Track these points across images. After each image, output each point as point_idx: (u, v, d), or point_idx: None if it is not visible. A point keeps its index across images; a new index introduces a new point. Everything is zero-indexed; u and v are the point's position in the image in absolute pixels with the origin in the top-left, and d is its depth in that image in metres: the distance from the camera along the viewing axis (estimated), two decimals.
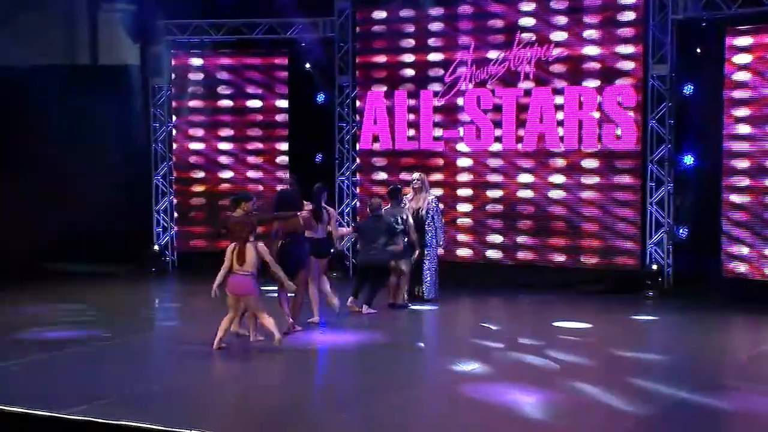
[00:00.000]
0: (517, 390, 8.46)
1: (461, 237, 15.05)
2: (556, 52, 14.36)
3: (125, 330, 11.12)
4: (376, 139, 15.64)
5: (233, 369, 9.62)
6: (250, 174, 16.47)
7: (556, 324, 11.78)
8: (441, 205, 13.50)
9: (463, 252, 15.01)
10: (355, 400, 8.35)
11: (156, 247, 16.50)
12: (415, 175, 13.28)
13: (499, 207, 14.88)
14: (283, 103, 16.39)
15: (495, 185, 14.89)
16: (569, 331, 11.43)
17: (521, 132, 14.65)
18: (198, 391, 8.56)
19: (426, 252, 12.94)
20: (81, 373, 8.93)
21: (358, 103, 15.75)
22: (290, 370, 9.57)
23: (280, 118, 16.40)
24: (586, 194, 14.33)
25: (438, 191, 14.65)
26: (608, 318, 12.56)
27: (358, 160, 15.84)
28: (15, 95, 14.99)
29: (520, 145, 14.68)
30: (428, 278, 13.03)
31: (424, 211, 12.94)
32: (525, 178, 14.68)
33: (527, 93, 14.58)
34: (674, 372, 9.46)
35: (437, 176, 15.14)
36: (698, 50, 13.90)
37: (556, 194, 14.50)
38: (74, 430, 6.36)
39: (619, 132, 14.03)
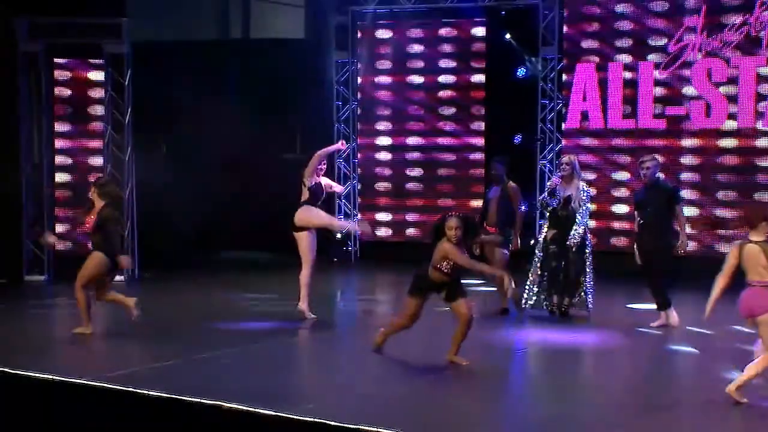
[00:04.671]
0: None
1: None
2: None
3: (322, 322, 10.02)
4: (585, 117, 13.92)
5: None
6: (442, 156, 14.95)
7: None
8: (592, 191, 10.95)
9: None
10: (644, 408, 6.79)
11: (338, 236, 15.16)
12: (566, 158, 10.37)
13: (733, 194, 12.91)
14: (479, 78, 14.80)
15: (728, 169, 12.96)
16: None
17: (761, 107, 12.67)
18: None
19: (586, 252, 10.15)
20: (291, 367, 7.97)
21: (564, 77, 14.05)
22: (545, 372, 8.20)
23: (475, 95, 14.83)
24: None
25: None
26: None
27: (563, 141, 14.11)
28: (169, 72, 14.11)
29: (759, 123, 12.73)
30: (589, 285, 10.12)
31: (576, 203, 10.08)
32: (766, 161, 12.67)
33: None
34: None
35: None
36: None
37: None
38: (300, 429, 5.01)
39: None
